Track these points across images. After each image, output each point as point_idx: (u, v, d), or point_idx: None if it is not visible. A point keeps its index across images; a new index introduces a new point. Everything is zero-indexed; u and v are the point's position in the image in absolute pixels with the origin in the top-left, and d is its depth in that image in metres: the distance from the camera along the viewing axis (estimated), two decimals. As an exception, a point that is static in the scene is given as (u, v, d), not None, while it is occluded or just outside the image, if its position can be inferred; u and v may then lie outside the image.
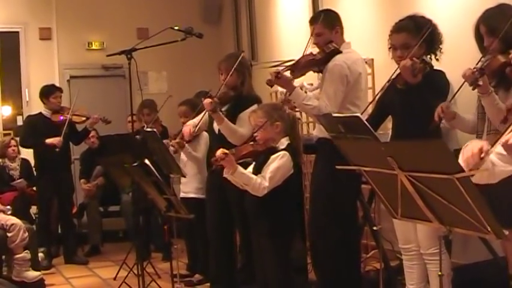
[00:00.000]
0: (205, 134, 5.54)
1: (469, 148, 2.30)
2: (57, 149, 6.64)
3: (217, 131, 4.81)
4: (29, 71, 8.53)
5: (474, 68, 3.25)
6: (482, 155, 2.24)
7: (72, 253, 7.04)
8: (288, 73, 4.34)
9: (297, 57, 4.39)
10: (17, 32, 8.55)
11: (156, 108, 6.60)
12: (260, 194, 3.88)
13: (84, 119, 6.98)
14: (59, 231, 7.27)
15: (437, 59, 3.84)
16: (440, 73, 3.81)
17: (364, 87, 4.46)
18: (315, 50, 4.44)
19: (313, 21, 4.46)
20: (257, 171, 3.97)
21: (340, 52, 4.34)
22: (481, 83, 3.23)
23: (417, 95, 3.68)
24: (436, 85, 3.73)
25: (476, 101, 3.64)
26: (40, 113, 7.01)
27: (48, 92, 6.91)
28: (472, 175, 2.22)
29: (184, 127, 5.04)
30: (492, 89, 3.34)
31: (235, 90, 4.82)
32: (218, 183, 4.79)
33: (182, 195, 5.70)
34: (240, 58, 4.73)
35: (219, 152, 3.80)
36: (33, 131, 6.86)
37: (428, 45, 3.77)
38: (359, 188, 4.51)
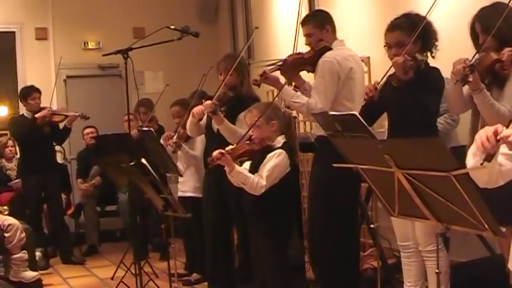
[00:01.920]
0: None
1: (483, 132, 2.20)
2: (46, 119, 6.63)
3: (215, 131, 4.80)
4: (25, 71, 8.52)
5: (465, 64, 3.25)
6: (498, 137, 2.15)
7: (67, 253, 7.02)
8: (278, 73, 4.34)
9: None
10: (13, 32, 8.55)
11: (153, 107, 6.60)
12: (258, 192, 3.88)
13: (63, 117, 6.94)
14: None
15: (433, 57, 3.84)
16: (435, 70, 3.82)
17: (359, 82, 4.45)
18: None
19: (304, 22, 4.48)
20: (254, 170, 3.97)
21: (330, 49, 4.35)
22: (471, 79, 3.24)
23: (412, 92, 3.69)
24: (430, 82, 3.74)
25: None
26: (22, 114, 6.99)
27: (25, 94, 6.86)
28: (468, 172, 2.22)
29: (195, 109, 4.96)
30: (483, 86, 3.34)
31: (234, 90, 4.81)
32: (215, 182, 4.79)
33: (180, 194, 5.70)
34: (239, 58, 4.74)
35: (216, 152, 3.80)
36: (18, 126, 6.86)
37: (423, 42, 3.77)
38: (358, 186, 4.51)
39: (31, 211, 6.90)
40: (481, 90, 3.33)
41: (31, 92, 6.85)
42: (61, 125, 7.02)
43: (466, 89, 3.51)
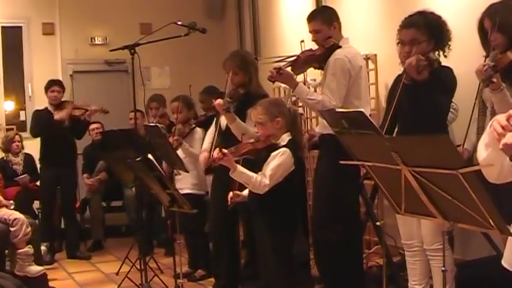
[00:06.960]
0: (199, 130, 5.57)
1: (496, 122, 2.07)
2: (65, 124, 6.70)
3: (224, 128, 4.79)
4: (32, 66, 8.54)
5: (486, 65, 3.25)
6: None
7: (74, 248, 7.05)
8: (289, 69, 4.35)
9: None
10: (20, 27, 8.58)
11: (165, 103, 6.61)
12: (261, 191, 3.87)
13: (83, 111, 6.96)
14: (62, 226, 7.28)
15: (445, 56, 3.83)
16: (448, 69, 3.79)
17: (365, 81, 4.47)
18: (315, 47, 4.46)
19: (310, 18, 4.48)
20: (258, 168, 3.96)
21: (340, 47, 4.35)
22: (495, 80, 3.23)
23: (424, 91, 3.67)
24: (442, 81, 3.72)
25: (476, 97, 3.64)
26: (46, 108, 7.01)
27: (46, 87, 6.95)
28: (476, 170, 2.20)
29: (201, 155, 5.03)
30: (504, 85, 3.34)
31: (243, 88, 4.81)
32: (223, 180, 4.79)
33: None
34: (244, 57, 4.76)
35: (217, 152, 3.80)
36: (39, 122, 6.90)
37: (437, 41, 3.76)
38: (362, 183, 4.51)
39: (44, 203, 6.96)
40: (501, 90, 3.34)
41: (51, 84, 6.95)
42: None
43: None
